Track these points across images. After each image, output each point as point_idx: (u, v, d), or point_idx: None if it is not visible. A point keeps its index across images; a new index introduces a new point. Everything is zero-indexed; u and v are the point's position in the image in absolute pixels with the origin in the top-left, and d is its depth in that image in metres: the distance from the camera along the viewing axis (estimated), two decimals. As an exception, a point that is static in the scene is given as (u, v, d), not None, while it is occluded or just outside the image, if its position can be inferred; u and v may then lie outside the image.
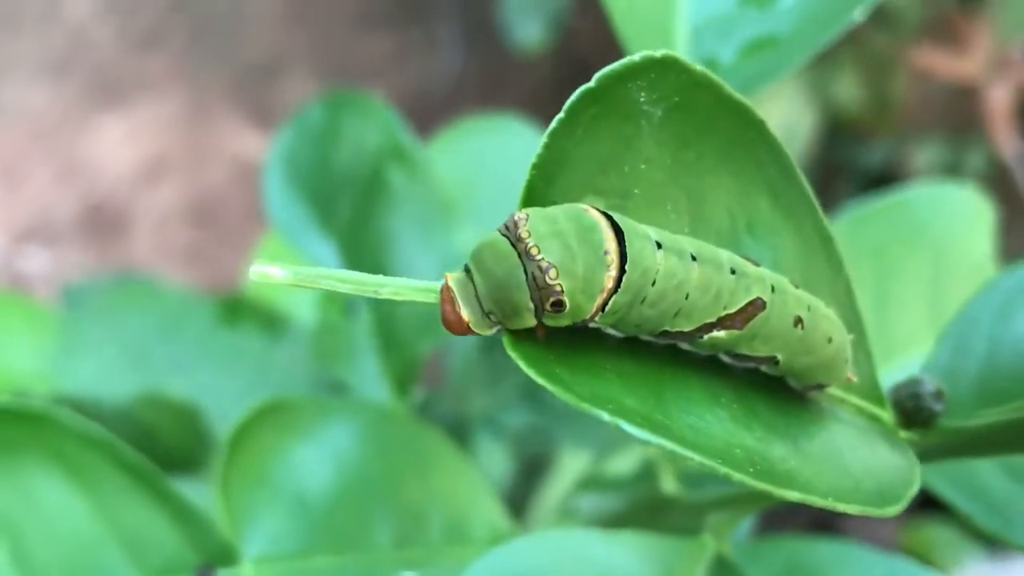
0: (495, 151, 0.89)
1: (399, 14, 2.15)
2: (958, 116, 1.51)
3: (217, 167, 1.98)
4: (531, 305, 0.30)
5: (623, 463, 0.77)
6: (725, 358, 0.35)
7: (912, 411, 0.39)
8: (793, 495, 0.30)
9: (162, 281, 1.08)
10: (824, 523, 1.25)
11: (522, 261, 0.30)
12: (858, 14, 0.54)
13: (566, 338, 0.32)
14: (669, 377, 0.33)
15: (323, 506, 0.59)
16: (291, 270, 0.31)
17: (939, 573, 0.59)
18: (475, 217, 0.86)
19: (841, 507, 0.31)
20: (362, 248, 0.77)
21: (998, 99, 1.48)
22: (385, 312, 0.77)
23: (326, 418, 0.61)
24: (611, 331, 0.33)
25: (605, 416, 0.28)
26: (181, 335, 1.02)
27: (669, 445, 0.28)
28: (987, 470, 0.45)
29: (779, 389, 0.36)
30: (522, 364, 0.30)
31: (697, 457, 0.28)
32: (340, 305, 0.82)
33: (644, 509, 0.56)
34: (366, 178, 0.77)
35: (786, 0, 0.55)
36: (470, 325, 0.31)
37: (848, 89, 1.54)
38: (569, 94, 0.33)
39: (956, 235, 0.75)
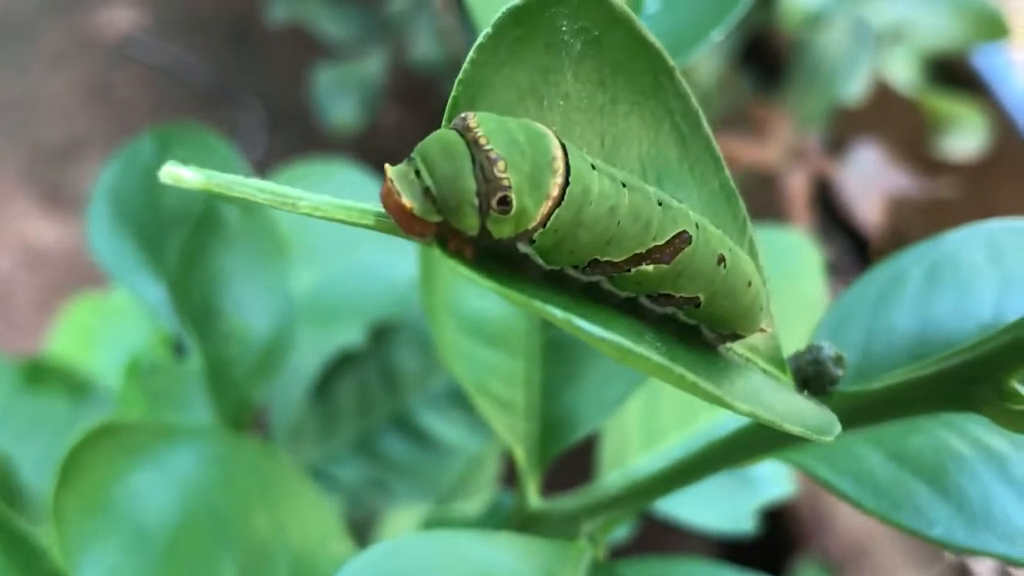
0: (327, 194, 0.87)
1: (199, 100, 2.11)
2: (758, 202, 1.57)
3: (4, 252, 1.89)
4: (476, 201, 0.28)
5: (468, 507, 0.74)
6: (645, 301, 0.34)
7: (813, 377, 0.39)
8: (743, 407, 0.28)
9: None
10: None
11: (471, 151, 0.28)
12: (716, 34, 0.55)
13: (492, 266, 0.30)
14: (591, 314, 0.32)
15: (164, 537, 0.55)
16: (205, 174, 0.28)
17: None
18: (307, 260, 0.84)
19: (787, 426, 0.30)
20: (194, 286, 0.74)
21: (796, 187, 1.54)
22: (217, 354, 0.73)
23: (168, 441, 0.57)
24: (539, 261, 0.31)
25: (558, 313, 0.26)
26: (-21, 399, 0.96)
27: (625, 343, 0.26)
28: (871, 456, 0.45)
29: (694, 341, 0.36)
30: (461, 268, 0.28)
31: (654, 357, 0.27)
32: (168, 347, 0.78)
33: (511, 526, 0.54)
34: (199, 214, 0.74)
35: (651, 7, 0.55)
36: (414, 211, 0.28)
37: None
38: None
39: (788, 277, 0.77)
